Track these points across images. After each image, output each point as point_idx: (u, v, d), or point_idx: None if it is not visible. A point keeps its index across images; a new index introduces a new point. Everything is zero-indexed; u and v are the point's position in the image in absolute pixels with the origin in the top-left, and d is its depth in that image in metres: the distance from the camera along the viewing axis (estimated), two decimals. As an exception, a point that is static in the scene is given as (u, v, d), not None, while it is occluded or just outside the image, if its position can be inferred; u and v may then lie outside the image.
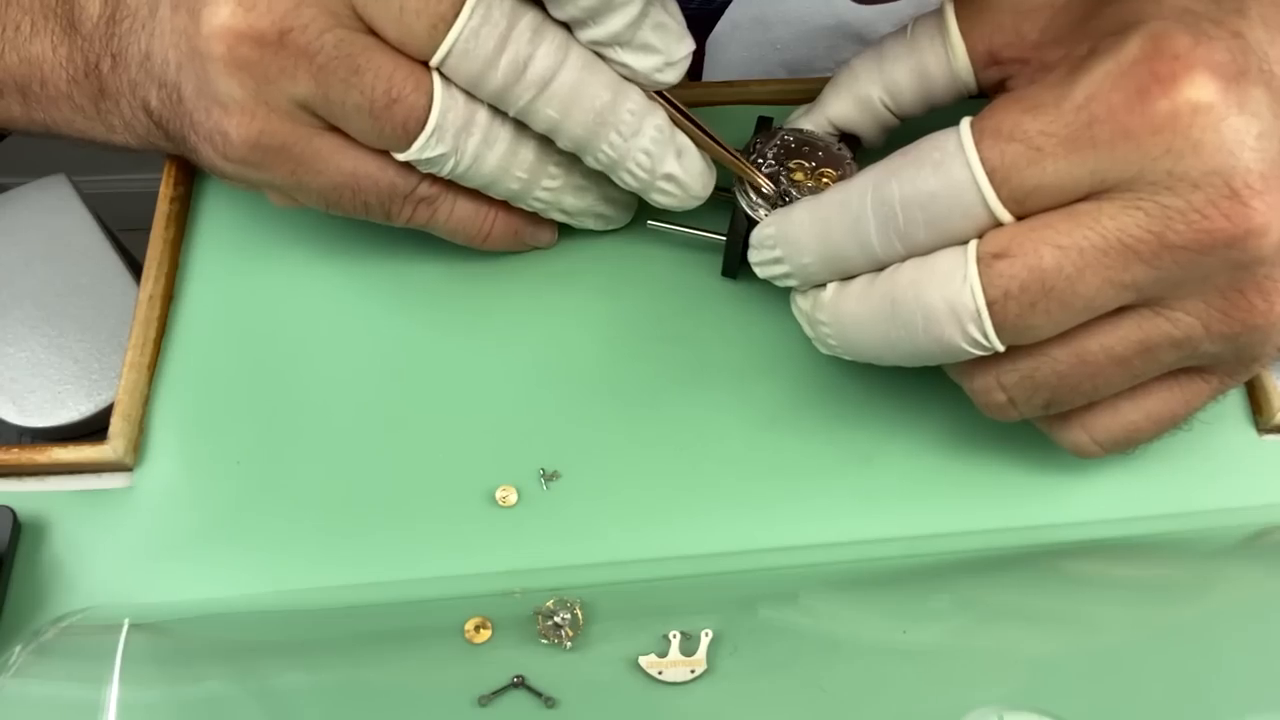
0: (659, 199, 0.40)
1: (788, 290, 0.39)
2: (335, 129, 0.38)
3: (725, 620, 0.36)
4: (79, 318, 0.45)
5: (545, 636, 0.36)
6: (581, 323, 0.43)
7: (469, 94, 0.38)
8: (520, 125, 0.39)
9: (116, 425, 0.40)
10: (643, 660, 0.36)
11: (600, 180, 0.41)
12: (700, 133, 0.39)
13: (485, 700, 0.35)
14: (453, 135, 0.38)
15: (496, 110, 0.38)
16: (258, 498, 0.40)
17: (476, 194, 0.41)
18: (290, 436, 0.40)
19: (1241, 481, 0.40)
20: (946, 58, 0.39)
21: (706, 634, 0.36)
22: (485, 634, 0.37)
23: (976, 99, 0.40)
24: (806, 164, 0.40)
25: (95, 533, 0.39)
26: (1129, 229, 0.32)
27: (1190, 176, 0.31)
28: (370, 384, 0.42)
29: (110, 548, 0.39)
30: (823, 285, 0.37)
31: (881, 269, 0.35)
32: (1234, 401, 0.41)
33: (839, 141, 0.41)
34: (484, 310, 0.43)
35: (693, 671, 0.36)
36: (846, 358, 0.37)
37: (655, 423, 0.41)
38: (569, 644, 0.36)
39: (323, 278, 0.44)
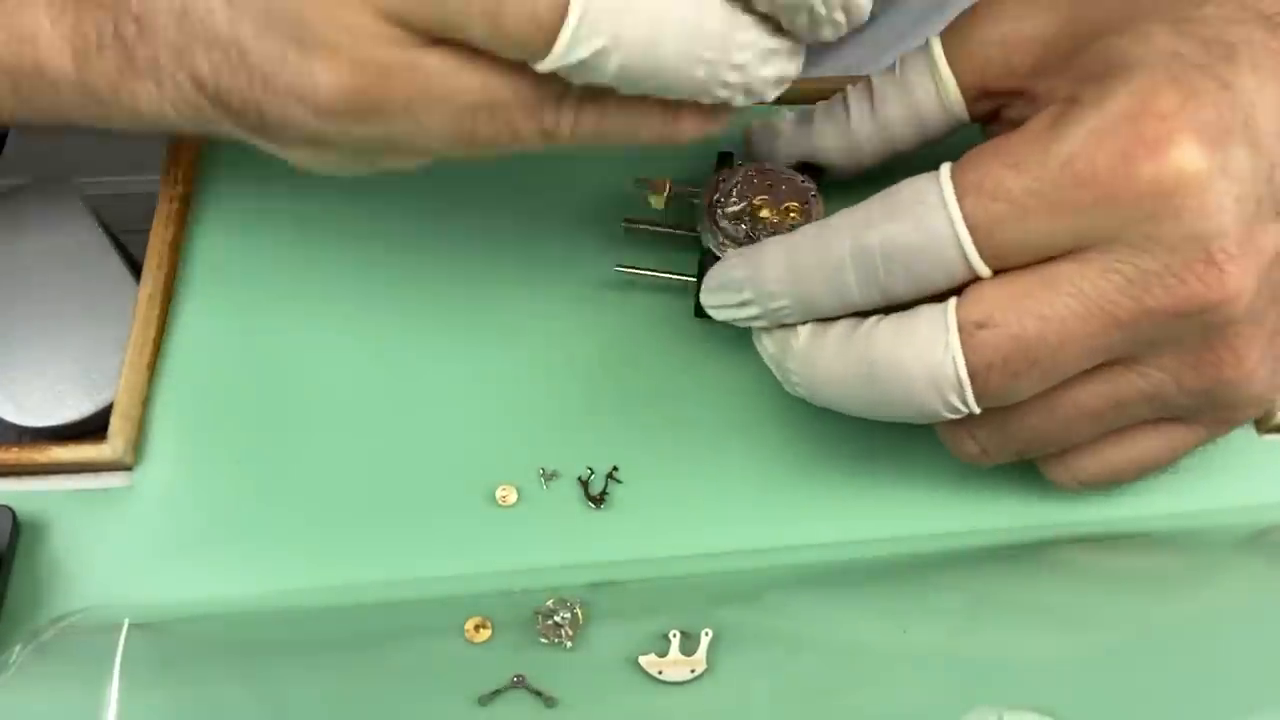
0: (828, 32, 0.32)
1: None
2: (446, 41, 0.30)
3: (725, 620, 0.36)
4: (79, 317, 0.45)
5: (545, 636, 0.36)
6: (583, 324, 0.43)
7: None
8: None
9: (116, 425, 0.40)
10: (643, 660, 0.36)
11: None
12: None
13: (485, 700, 0.35)
14: (609, 18, 0.29)
15: None
16: (258, 497, 0.39)
17: None
18: (290, 436, 0.40)
19: (1241, 481, 0.40)
20: (938, 94, 0.39)
21: (706, 634, 0.36)
22: (485, 634, 0.37)
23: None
24: (771, 200, 0.40)
25: (95, 532, 0.39)
26: (1109, 294, 0.32)
27: (1168, 241, 0.31)
28: (371, 383, 0.42)
29: (110, 548, 0.39)
30: (791, 327, 0.36)
31: (856, 313, 0.35)
32: (1234, 401, 0.42)
33: (800, 173, 0.41)
34: (486, 309, 0.43)
35: (693, 671, 0.36)
36: (812, 403, 0.36)
37: (655, 422, 0.41)
38: (569, 644, 0.36)
39: (324, 277, 0.44)
